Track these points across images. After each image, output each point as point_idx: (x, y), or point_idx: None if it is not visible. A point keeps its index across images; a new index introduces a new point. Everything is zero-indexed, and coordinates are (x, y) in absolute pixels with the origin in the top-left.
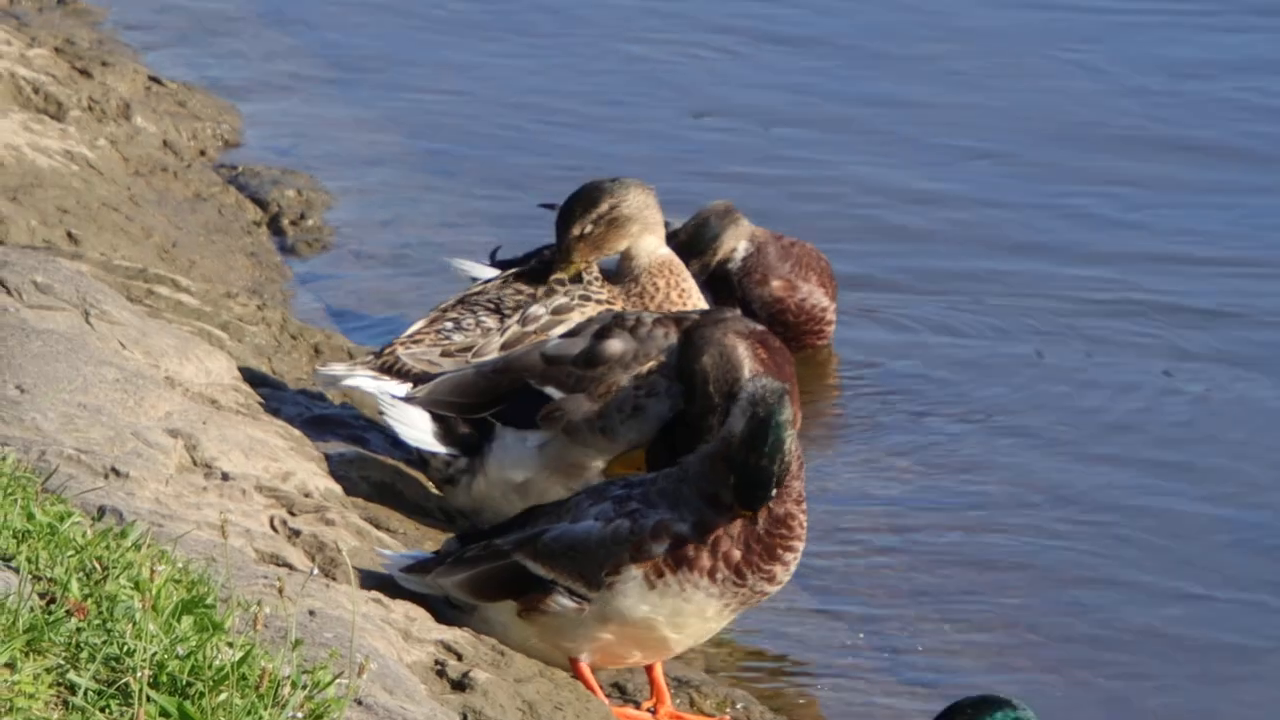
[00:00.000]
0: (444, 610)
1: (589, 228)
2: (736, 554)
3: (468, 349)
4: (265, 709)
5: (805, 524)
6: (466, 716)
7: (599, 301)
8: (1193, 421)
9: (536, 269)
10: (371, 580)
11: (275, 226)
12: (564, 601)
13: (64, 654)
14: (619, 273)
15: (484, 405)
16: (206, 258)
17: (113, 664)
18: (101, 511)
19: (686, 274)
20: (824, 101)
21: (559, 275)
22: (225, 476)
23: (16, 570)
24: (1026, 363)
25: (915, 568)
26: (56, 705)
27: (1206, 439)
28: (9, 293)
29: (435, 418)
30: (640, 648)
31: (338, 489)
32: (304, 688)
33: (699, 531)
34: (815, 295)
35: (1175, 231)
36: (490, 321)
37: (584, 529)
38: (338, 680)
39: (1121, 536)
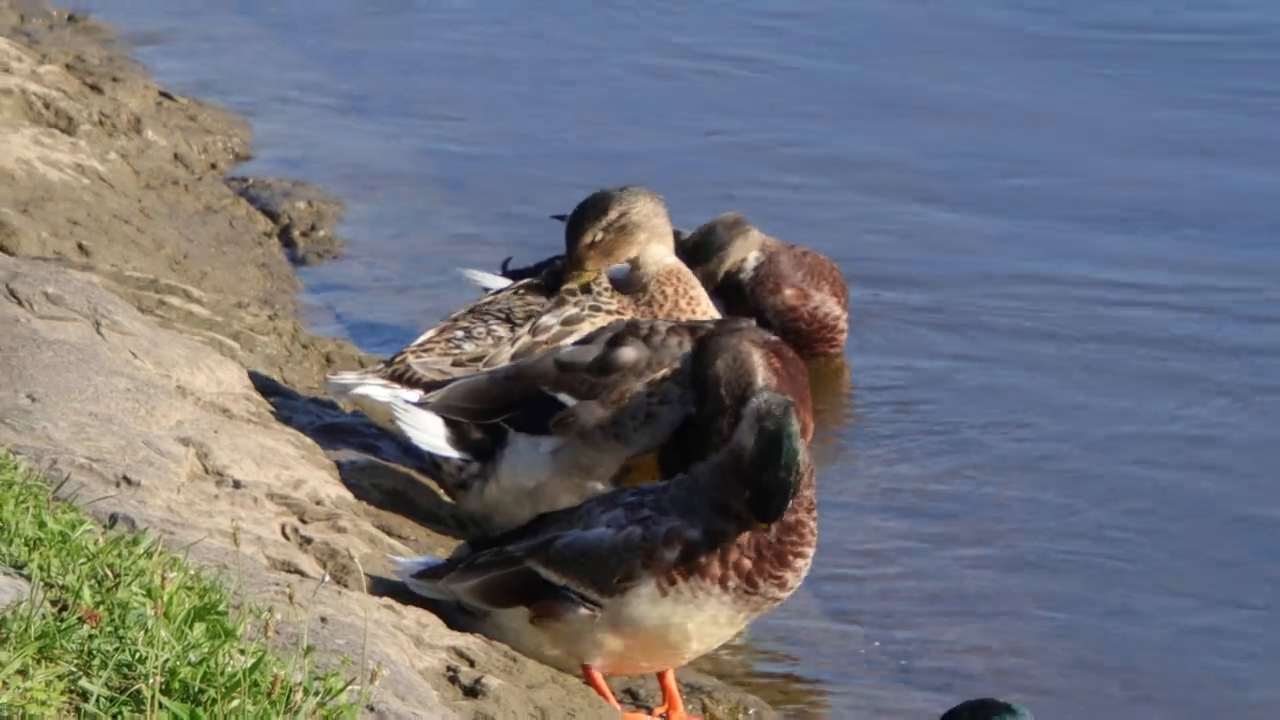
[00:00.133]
0: (456, 616)
1: (599, 235)
2: (748, 562)
3: (478, 358)
4: (277, 715)
5: (816, 531)
6: None
7: (609, 312)
8: (1208, 437)
9: (548, 279)
10: (383, 587)
11: (286, 238)
12: (576, 608)
13: (76, 661)
14: (628, 282)
15: (497, 411)
16: (218, 269)
17: (125, 671)
18: (113, 519)
19: (695, 282)
20: (836, 117)
21: (570, 284)
22: (237, 484)
23: (29, 578)
24: (1041, 372)
25: (927, 575)
26: (69, 712)
27: (1217, 453)
28: (20, 304)
29: (448, 423)
30: (652, 654)
31: (349, 496)
32: (316, 694)
33: (711, 539)
34: (828, 304)
35: (1191, 247)
36: (501, 331)
37: (596, 536)
38: (350, 687)
39: (1134, 547)
